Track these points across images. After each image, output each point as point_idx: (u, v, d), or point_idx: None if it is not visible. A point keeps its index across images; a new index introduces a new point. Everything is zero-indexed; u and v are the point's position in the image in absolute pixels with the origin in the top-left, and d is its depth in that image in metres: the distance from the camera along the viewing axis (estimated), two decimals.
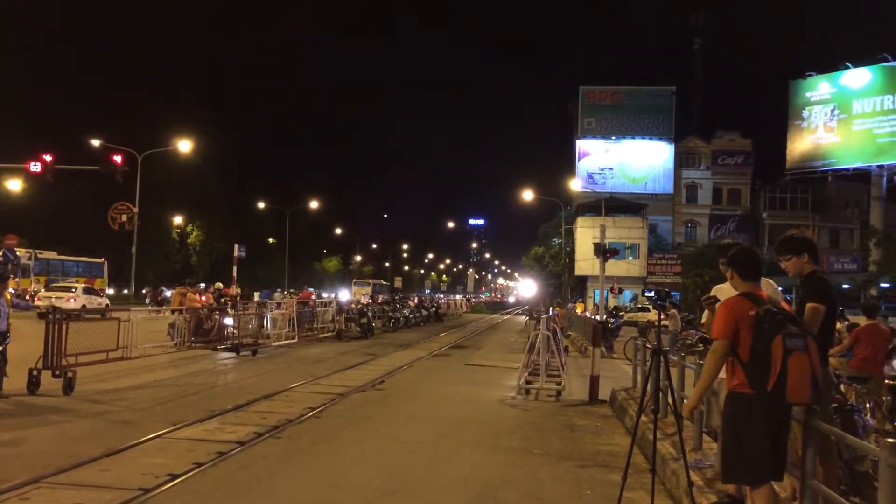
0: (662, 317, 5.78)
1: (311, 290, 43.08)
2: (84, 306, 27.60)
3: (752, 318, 4.17)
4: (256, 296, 28.78)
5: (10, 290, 11.61)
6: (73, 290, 31.27)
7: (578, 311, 39.21)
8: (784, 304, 4.96)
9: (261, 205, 67.90)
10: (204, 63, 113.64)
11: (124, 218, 34.48)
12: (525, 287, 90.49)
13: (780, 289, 5.39)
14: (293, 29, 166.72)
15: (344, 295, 40.78)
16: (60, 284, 33.65)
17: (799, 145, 54.17)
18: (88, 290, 32.84)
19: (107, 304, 30.97)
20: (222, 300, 20.15)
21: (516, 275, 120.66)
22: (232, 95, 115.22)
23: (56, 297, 28.54)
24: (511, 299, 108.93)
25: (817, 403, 4.20)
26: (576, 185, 59.08)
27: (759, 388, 4.05)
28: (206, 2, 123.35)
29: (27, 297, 35.00)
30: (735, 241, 5.52)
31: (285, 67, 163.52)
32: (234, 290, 30.00)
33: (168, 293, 38.01)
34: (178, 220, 61.81)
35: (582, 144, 64.81)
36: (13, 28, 59.34)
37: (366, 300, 41.32)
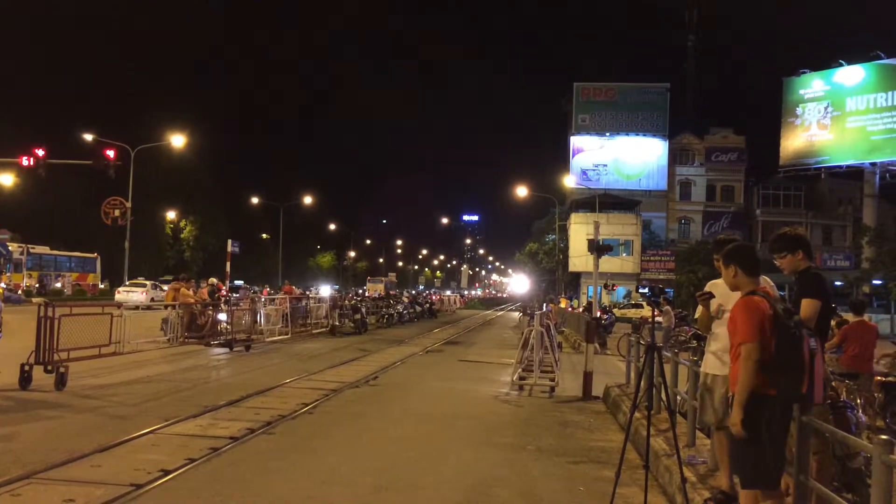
0: (656, 313, 5.78)
1: (333, 287, 44.07)
2: (153, 299, 31.82)
3: (771, 317, 4.03)
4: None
5: (2, 284, 11.57)
6: (144, 286, 36.71)
7: (562, 306, 39.25)
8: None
9: (254, 200, 67.79)
10: (199, 58, 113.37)
11: (117, 213, 34.27)
12: (517, 283, 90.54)
13: (773, 285, 5.39)
14: (289, 26, 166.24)
15: (325, 290, 41.56)
16: (134, 282, 38.41)
17: (792, 142, 54.33)
18: (155, 286, 37.84)
19: None
20: (216, 296, 20.10)
21: (510, 271, 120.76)
22: (226, 90, 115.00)
23: (131, 292, 33.84)
24: (504, 295, 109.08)
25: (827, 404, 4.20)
26: (570, 181, 59.15)
27: (786, 390, 3.95)
28: None
29: (19, 291, 34.97)
30: (731, 237, 5.47)
31: (280, 64, 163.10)
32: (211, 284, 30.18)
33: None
34: (171, 215, 61.61)
35: (576, 141, 64.84)
36: (6, 22, 58.99)
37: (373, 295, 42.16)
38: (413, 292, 62.17)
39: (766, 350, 4.00)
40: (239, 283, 51.72)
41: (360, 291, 55.85)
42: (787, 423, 4.12)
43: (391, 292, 50.23)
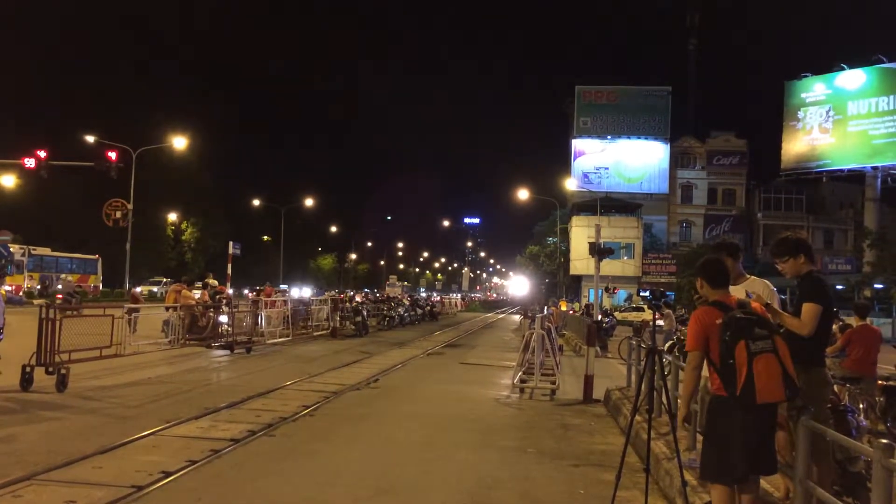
0: (657, 316, 5.78)
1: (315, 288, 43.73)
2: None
3: (719, 326, 4.30)
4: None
5: (7, 287, 11.62)
6: (201, 288, 36.64)
7: (562, 309, 39.19)
8: (774, 305, 4.97)
9: (256, 202, 67.79)
10: (200, 60, 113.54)
11: (119, 214, 34.28)
12: (516, 285, 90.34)
13: (774, 289, 5.40)
14: (287, 28, 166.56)
15: (296, 292, 41.41)
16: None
17: (794, 146, 54.34)
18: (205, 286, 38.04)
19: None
20: (217, 297, 20.09)
21: (511, 274, 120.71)
22: (228, 92, 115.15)
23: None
24: (505, 298, 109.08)
25: (793, 400, 4.27)
26: (571, 184, 59.15)
27: (731, 392, 4.18)
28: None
29: (20, 293, 35.00)
30: (731, 240, 5.52)
31: (280, 67, 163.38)
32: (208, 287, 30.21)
33: (138, 289, 38.56)
34: (172, 216, 61.66)
35: (577, 144, 64.85)
36: (8, 24, 59.13)
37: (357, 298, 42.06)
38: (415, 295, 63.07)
39: (715, 357, 4.34)
40: (284, 287, 52.15)
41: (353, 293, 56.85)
42: (753, 424, 4.21)
43: (406, 293, 50.86)
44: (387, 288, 76.50)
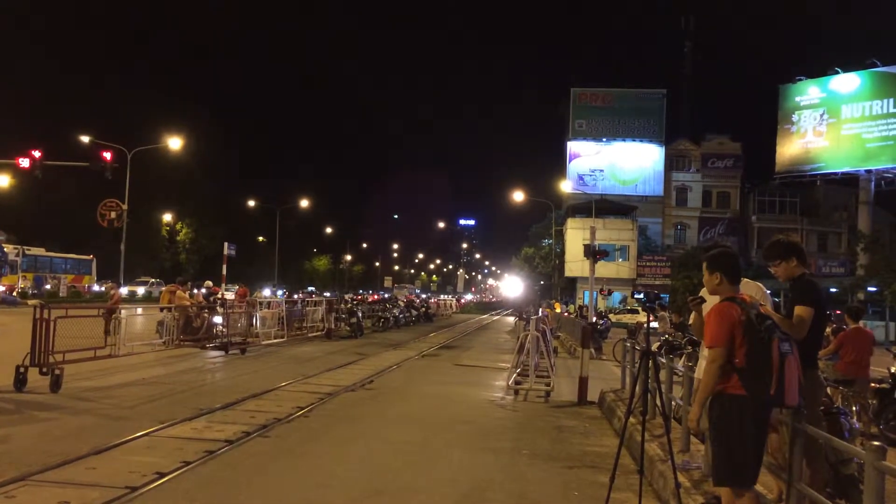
0: (651, 318, 5.81)
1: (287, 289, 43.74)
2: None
3: (743, 323, 4.15)
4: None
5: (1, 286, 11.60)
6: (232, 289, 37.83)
7: (557, 310, 39.22)
8: (768, 308, 4.99)
9: (251, 203, 67.70)
10: (196, 60, 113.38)
11: (113, 215, 34.13)
12: (509, 286, 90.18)
13: (768, 292, 5.43)
14: (286, 28, 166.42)
15: (266, 292, 41.74)
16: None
17: (788, 149, 54.50)
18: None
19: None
20: (211, 298, 20.06)
21: (506, 276, 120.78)
22: (224, 93, 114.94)
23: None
24: (497, 300, 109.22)
25: (802, 406, 4.23)
26: (566, 186, 59.26)
27: (756, 392, 4.06)
28: None
29: (14, 293, 34.88)
30: (723, 244, 5.51)
31: (279, 67, 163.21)
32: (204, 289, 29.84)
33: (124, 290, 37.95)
34: (167, 217, 61.50)
35: (572, 146, 64.94)
36: (2, 24, 58.96)
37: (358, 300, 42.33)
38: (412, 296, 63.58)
39: (736, 354, 4.16)
40: (311, 288, 52.35)
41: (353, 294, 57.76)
42: (761, 424, 4.19)
43: (412, 295, 51.34)
44: (395, 291, 78.03)
